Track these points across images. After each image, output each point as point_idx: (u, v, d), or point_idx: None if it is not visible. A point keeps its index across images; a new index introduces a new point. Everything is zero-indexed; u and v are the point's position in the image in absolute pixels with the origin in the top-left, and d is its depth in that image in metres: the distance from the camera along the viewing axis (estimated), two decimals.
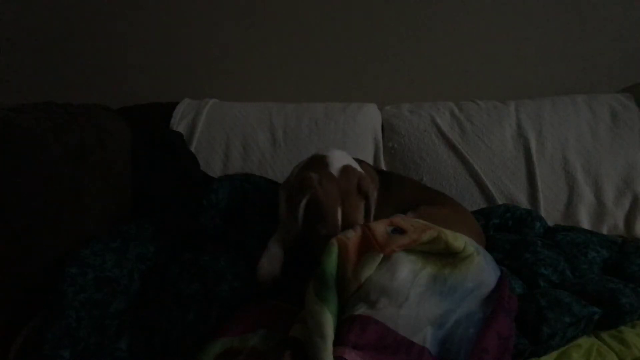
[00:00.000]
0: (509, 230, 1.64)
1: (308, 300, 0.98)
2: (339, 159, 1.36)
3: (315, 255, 1.09)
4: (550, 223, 1.75)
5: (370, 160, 1.98)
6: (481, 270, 1.05)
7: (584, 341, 1.06)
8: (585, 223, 1.84)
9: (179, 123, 2.03)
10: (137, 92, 2.29)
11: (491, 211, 1.72)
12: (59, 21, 2.30)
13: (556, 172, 1.87)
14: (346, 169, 1.33)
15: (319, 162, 1.35)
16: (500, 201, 1.85)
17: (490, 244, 1.46)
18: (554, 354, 1.03)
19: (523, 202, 1.86)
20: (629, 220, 1.83)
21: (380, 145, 2.02)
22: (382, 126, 2.07)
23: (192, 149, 1.96)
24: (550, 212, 1.86)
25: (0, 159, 1.23)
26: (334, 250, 1.03)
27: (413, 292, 0.97)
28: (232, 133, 2.00)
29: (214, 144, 1.99)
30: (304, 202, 1.21)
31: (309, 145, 1.94)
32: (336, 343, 0.89)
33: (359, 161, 1.49)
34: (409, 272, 1.00)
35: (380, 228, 1.06)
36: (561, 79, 2.25)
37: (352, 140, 1.97)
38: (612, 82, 2.20)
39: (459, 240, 1.05)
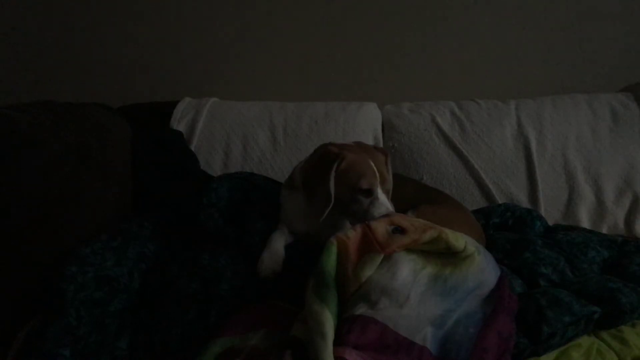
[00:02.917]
0: (509, 230, 1.64)
1: (308, 299, 0.98)
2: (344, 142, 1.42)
3: (359, 218, 1.20)
4: (550, 222, 1.75)
5: None
6: (482, 270, 1.05)
7: (584, 340, 1.06)
8: (586, 222, 1.84)
9: (179, 122, 2.03)
10: (137, 91, 2.30)
11: (491, 210, 1.72)
12: (59, 21, 2.30)
13: (556, 172, 1.87)
14: (357, 142, 1.39)
15: (328, 145, 1.37)
16: (500, 200, 1.85)
17: (490, 243, 1.46)
18: (554, 353, 1.03)
19: (523, 201, 1.86)
20: (629, 220, 1.84)
21: (381, 144, 2.02)
22: (383, 125, 2.07)
23: (193, 147, 1.97)
24: (551, 212, 1.86)
25: (0, 157, 1.23)
26: (333, 249, 1.03)
27: (414, 292, 0.97)
28: (233, 132, 2.00)
29: (214, 142, 1.99)
30: (333, 169, 1.25)
31: (309, 144, 1.94)
32: (337, 343, 0.89)
33: None
34: (409, 272, 1.00)
35: (381, 227, 1.06)
36: (561, 78, 2.26)
37: (352, 139, 1.96)
38: (613, 82, 2.20)
39: (460, 240, 1.05)
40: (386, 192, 1.31)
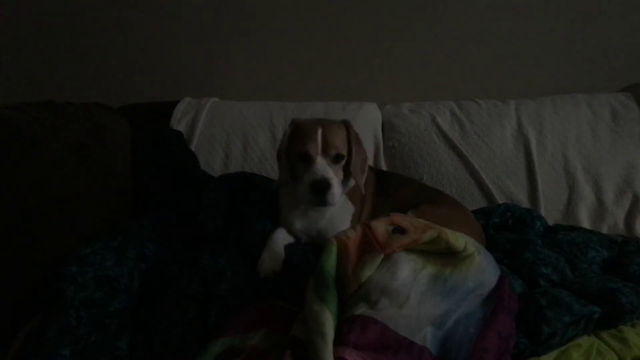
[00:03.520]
0: (509, 230, 1.64)
1: (308, 299, 0.98)
2: None
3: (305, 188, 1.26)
4: (550, 222, 1.75)
5: (370, 160, 1.98)
6: (482, 270, 1.05)
7: (584, 340, 1.06)
8: (586, 222, 1.84)
9: (179, 122, 2.03)
10: (137, 91, 2.30)
11: (491, 210, 1.72)
12: (59, 21, 2.30)
13: (556, 172, 1.88)
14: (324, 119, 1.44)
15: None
16: (500, 200, 1.85)
17: (490, 243, 1.46)
18: (554, 353, 1.03)
19: (523, 201, 1.86)
20: (629, 220, 1.84)
21: (381, 144, 2.02)
22: (383, 125, 2.07)
23: (193, 147, 1.97)
24: (551, 212, 1.86)
25: (0, 157, 1.23)
26: (333, 249, 1.03)
27: (414, 292, 0.97)
28: (233, 132, 2.00)
29: (214, 142, 1.99)
30: (287, 133, 1.38)
31: None
32: (337, 343, 0.89)
33: None
34: (409, 272, 1.00)
35: (381, 227, 1.06)
36: (561, 78, 2.26)
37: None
38: (612, 82, 2.20)
39: (460, 240, 1.05)
40: (331, 159, 1.31)
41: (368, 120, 2.04)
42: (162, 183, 1.78)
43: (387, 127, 2.05)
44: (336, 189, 1.28)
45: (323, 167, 1.28)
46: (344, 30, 2.26)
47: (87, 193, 1.48)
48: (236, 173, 1.79)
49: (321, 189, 1.25)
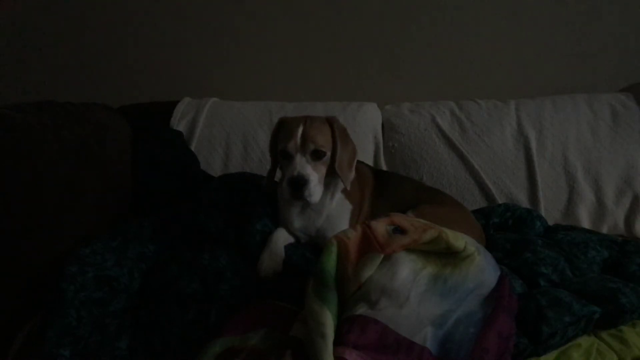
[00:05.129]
0: (509, 230, 1.64)
1: (308, 299, 0.98)
2: None
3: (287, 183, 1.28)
4: (550, 222, 1.75)
5: (370, 160, 1.98)
6: (482, 270, 1.05)
7: (584, 340, 1.06)
8: (586, 222, 1.84)
9: (179, 122, 2.03)
10: (137, 91, 2.30)
11: (491, 210, 1.72)
12: (59, 21, 2.30)
13: (556, 172, 1.87)
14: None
15: None
16: (500, 200, 1.85)
17: (490, 243, 1.46)
18: (554, 353, 1.03)
19: (523, 201, 1.86)
20: (629, 220, 1.84)
21: (381, 144, 2.02)
22: (383, 125, 2.07)
23: (193, 147, 1.97)
24: (551, 212, 1.86)
25: (0, 157, 1.23)
26: (333, 250, 1.03)
27: (414, 292, 0.97)
28: (233, 132, 2.00)
29: (214, 142, 1.99)
30: (274, 130, 1.41)
31: None
32: (336, 343, 0.89)
33: None
34: (409, 272, 1.00)
35: (381, 228, 1.06)
36: (561, 78, 2.25)
37: (352, 139, 1.97)
38: (612, 82, 2.20)
39: (460, 240, 1.05)
40: (310, 156, 1.31)
41: (368, 120, 2.04)
42: (161, 183, 1.78)
43: (387, 127, 2.05)
44: (314, 185, 1.29)
45: (301, 163, 1.30)
46: (344, 31, 2.26)
47: (86, 193, 1.48)
48: (236, 173, 1.79)
49: (298, 185, 1.27)
